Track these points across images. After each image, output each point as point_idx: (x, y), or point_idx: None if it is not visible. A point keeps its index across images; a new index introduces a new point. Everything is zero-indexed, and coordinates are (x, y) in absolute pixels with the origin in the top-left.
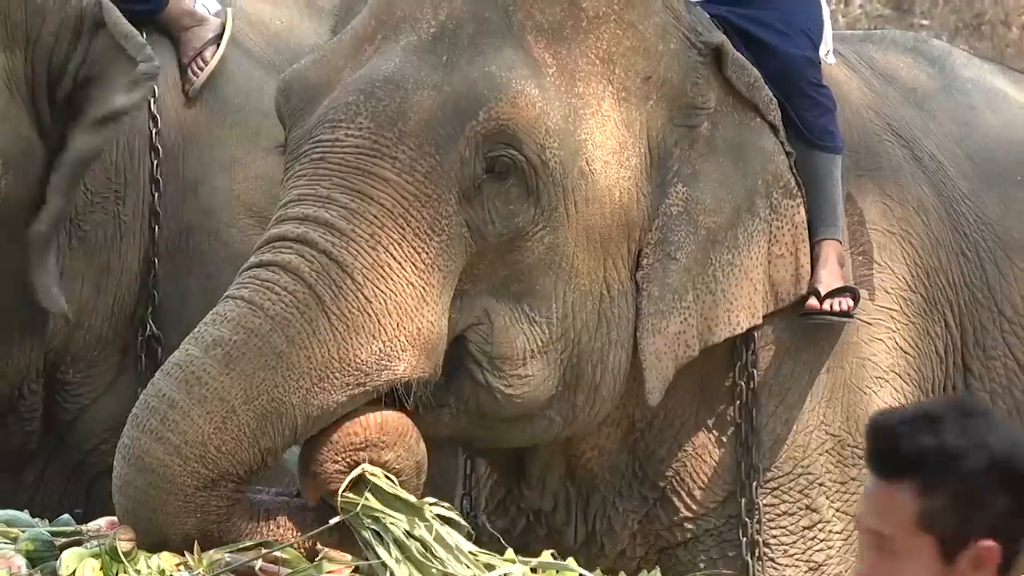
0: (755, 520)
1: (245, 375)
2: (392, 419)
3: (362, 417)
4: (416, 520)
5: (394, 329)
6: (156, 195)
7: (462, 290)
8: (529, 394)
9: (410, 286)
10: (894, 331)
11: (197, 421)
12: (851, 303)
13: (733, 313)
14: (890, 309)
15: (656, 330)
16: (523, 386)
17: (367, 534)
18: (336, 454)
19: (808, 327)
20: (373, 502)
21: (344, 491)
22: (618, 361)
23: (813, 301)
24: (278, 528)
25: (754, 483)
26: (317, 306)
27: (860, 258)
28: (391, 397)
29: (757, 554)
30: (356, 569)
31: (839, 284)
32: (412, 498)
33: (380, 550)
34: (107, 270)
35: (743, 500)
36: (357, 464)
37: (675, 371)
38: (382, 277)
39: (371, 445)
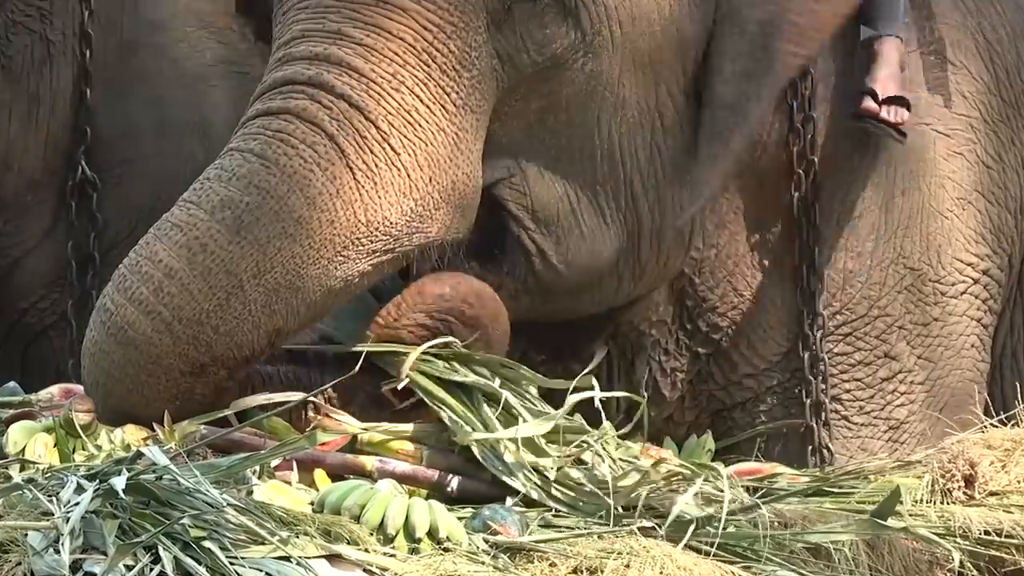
0: (820, 378)
1: (258, 244)
2: (490, 297)
3: (460, 279)
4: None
5: (426, 184)
6: (87, 12)
7: (489, 135)
8: (588, 250)
9: (441, 133)
10: (975, 142)
11: (196, 296)
12: (905, 115)
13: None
14: (969, 117)
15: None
16: (578, 240)
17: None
18: (422, 306)
19: (878, 146)
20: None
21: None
22: (677, 199)
23: (870, 103)
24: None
25: (818, 334)
26: (340, 160)
27: (931, 58)
28: (421, 260)
29: (824, 417)
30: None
31: (897, 91)
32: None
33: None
34: (36, 101)
35: (806, 355)
36: (438, 328)
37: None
38: (410, 124)
39: (460, 315)
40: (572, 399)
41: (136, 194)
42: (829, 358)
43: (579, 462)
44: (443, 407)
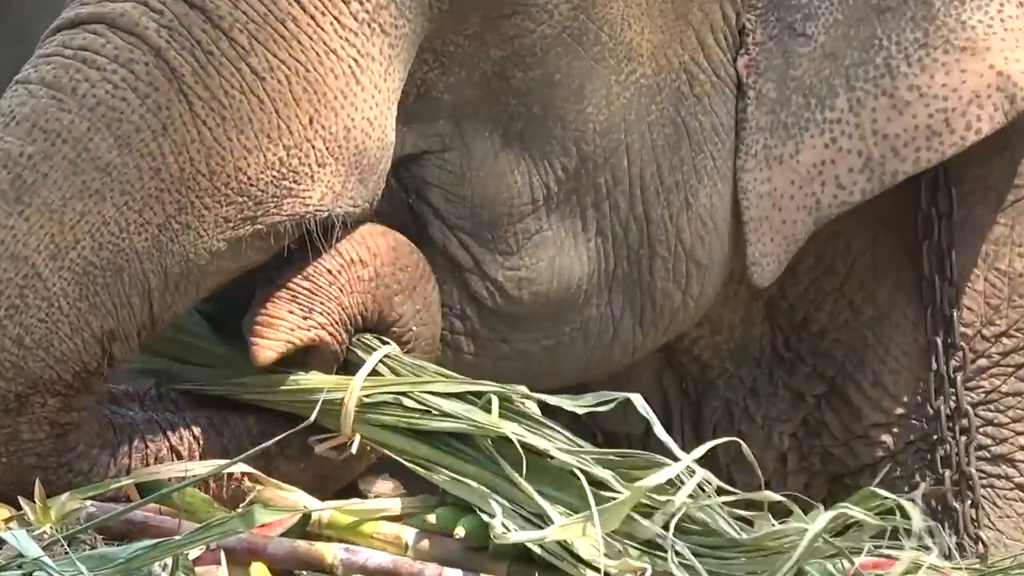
0: (964, 436)
1: (50, 211)
2: (406, 247)
3: (363, 235)
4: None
5: (304, 128)
6: None
7: (419, 84)
8: (553, 267)
9: (331, 56)
10: None
11: None
12: None
13: (949, 117)
14: None
15: (774, 156)
16: (536, 256)
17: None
18: (323, 293)
19: None
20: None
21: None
22: (719, 202)
23: None
24: (171, 456)
25: (958, 376)
26: (170, 84)
27: None
28: (303, 247)
29: (971, 494)
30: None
31: None
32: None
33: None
34: None
35: (942, 406)
36: (357, 315)
37: (812, 228)
38: (282, 38)
39: (381, 284)
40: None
41: None
42: (995, 400)
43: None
44: (438, 471)
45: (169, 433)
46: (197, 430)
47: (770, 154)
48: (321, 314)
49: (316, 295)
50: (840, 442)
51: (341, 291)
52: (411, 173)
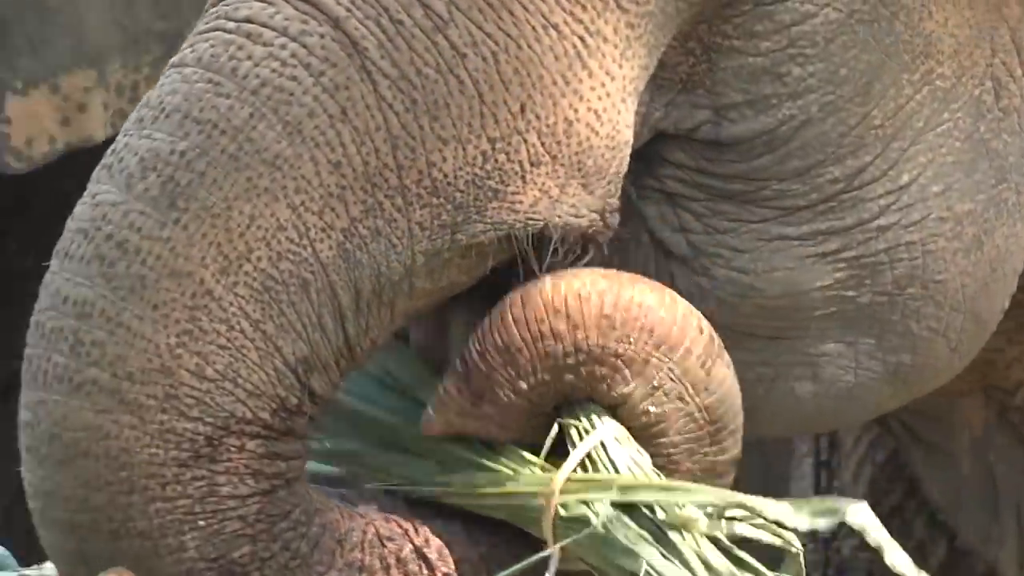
0: None
1: (211, 216)
2: (694, 317)
3: (601, 276)
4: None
5: (513, 116)
6: None
7: (683, 80)
8: (780, 283)
9: (550, 31)
10: None
11: (140, 329)
12: None
13: None
14: None
15: None
16: (769, 262)
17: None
18: (495, 377)
19: None
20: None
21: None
22: (1015, 247)
23: None
24: (417, 560)
25: None
26: (350, 60)
27: None
28: (516, 268)
29: None
30: None
31: None
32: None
33: None
34: None
35: None
36: (557, 394)
37: None
38: (489, 6)
39: (600, 359)
40: None
41: None
42: None
43: None
44: None
45: (411, 534)
46: (446, 536)
47: None
48: (491, 403)
49: (488, 377)
50: None
51: (520, 373)
52: (654, 162)
